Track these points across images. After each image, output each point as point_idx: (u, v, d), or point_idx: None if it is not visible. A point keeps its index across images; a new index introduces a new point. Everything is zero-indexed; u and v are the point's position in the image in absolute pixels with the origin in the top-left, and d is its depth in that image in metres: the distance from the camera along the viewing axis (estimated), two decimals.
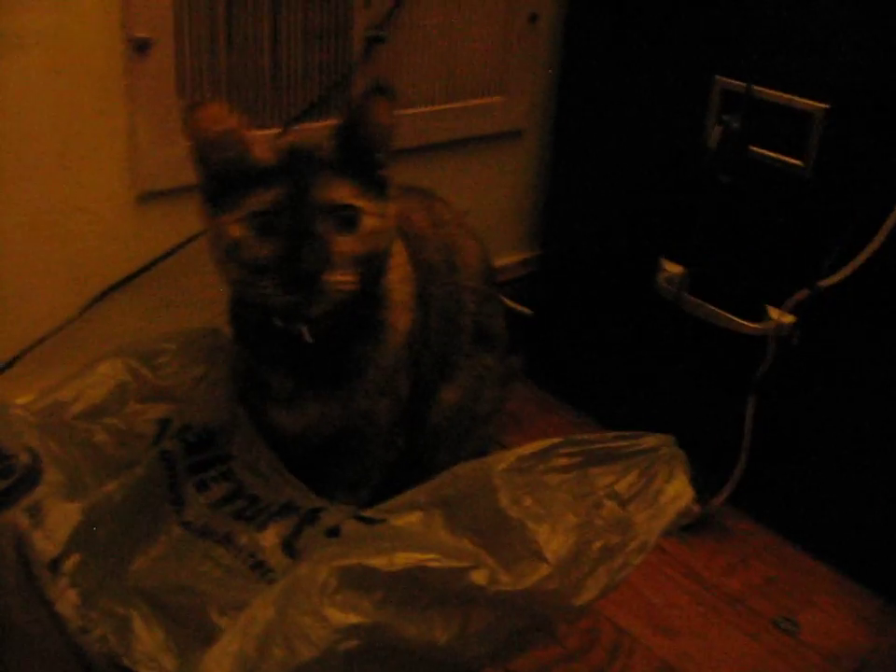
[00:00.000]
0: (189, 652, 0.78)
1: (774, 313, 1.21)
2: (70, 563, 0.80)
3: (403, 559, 0.74)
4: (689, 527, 1.30)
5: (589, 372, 1.54)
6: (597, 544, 0.80)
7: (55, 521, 0.81)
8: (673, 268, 1.31)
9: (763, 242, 1.24)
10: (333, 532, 0.87)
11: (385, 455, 1.04)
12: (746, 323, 1.23)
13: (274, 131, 1.20)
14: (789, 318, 1.20)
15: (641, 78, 1.35)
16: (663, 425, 1.37)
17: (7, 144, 1.03)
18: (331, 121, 1.24)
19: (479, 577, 0.75)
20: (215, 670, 0.69)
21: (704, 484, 1.21)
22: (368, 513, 0.88)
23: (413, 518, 0.83)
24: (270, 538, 0.89)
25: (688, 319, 1.30)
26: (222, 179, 0.88)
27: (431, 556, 0.75)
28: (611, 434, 0.88)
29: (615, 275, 1.45)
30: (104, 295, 1.14)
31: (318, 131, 1.24)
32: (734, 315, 1.24)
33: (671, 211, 1.33)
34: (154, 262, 1.16)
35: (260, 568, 0.86)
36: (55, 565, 0.79)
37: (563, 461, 0.86)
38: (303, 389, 0.96)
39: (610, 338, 1.48)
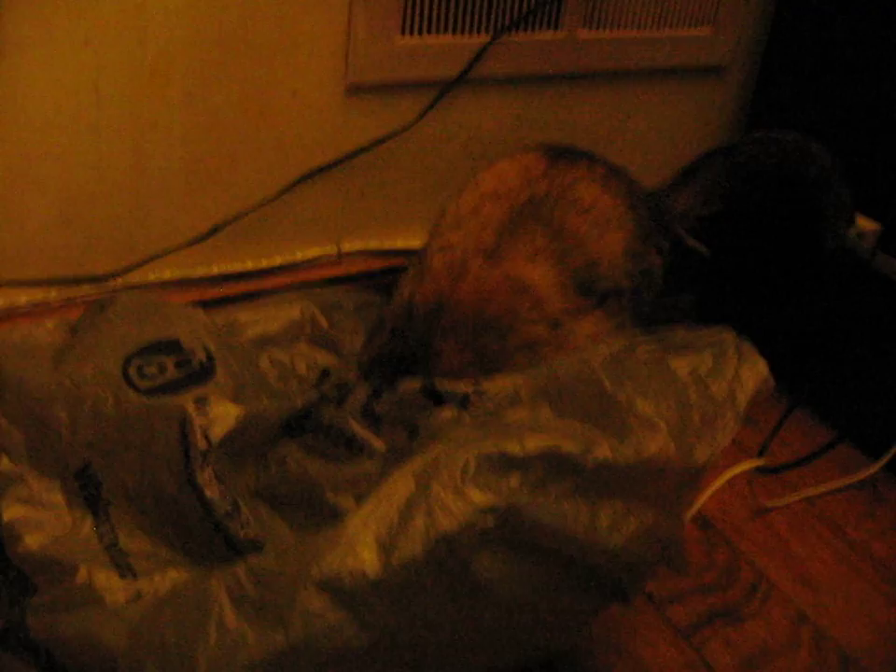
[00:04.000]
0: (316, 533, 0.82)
1: None
2: (215, 456, 0.85)
3: (534, 443, 0.76)
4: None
5: (759, 320, 1.52)
6: (696, 415, 0.84)
7: (216, 415, 0.86)
8: (866, 224, 1.28)
9: None
10: (453, 423, 0.88)
11: None
12: None
13: (483, 38, 1.22)
14: None
15: (861, 26, 1.30)
16: (833, 382, 1.36)
17: (229, 22, 1.07)
18: (540, 35, 1.27)
19: (604, 451, 0.77)
20: (360, 530, 0.72)
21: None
22: (480, 416, 0.89)
23: (522, 413, 0.86)
24: (350, 409, 0.91)
25: (876, 277, 1.26)
26: None
27: (557, 437, 0.78)
28: (678, 328, 0.92)
29: (802, 224, 1.41)
30: (303, 179, 1.19)
31: (526, 43, 1.26)
32: None
33: (872, 164, 1.29)
34: (356, 153, 1.19)
35: (353, 443, 0.89)
36: (206, 455, 0.84)
37: (645, 355, 0.89)
38: None
39: (787, 288, 1.45)
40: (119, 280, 1.13)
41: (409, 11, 1.15)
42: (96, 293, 1.12)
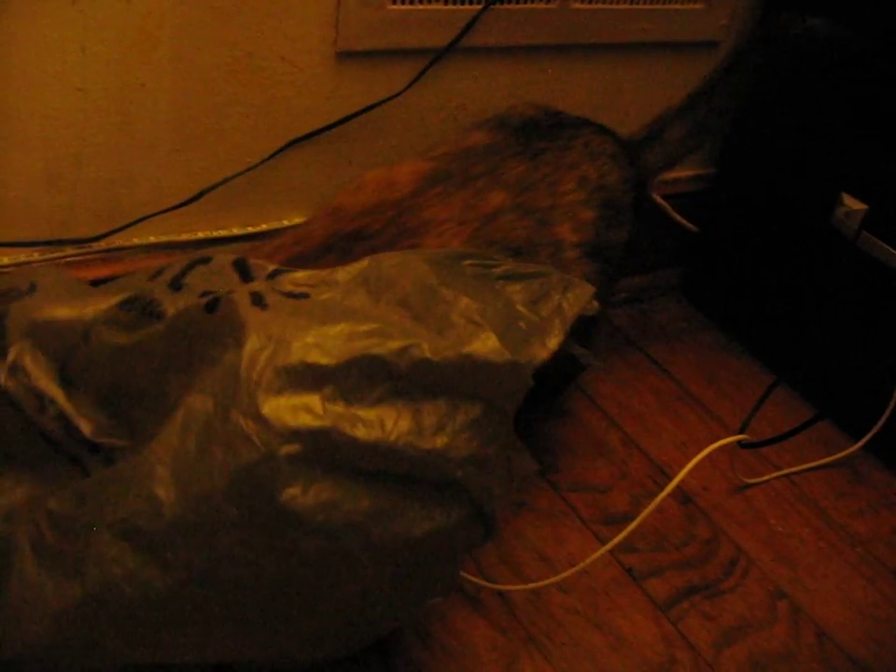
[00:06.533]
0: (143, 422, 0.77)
1: None
2: (17, 350, 0.81)
3: (346, 350, 0.71)
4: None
5: (745, 298, 1.52)
6: (521, 323, 0.81)
7: (15, 318, 0.83)
8: (854, 203, 1.28)
9: None
10: (258, 300, 0.77)
11: None
12: None
13: (474, 8, 1.20)
14: None
15: (853, 8, 1.29)
16: (814, 360, 1.37)
17: None
18: (532, 5, 1.26)
19: (421, 350, 0.72)
20: (156, 466, 0.69)
21: None
22: (287, 286, 0.82)
23: (334, 293, 0.80)
24: (159, 280, 0.85)
25: (861, 258, 1.27)
26: None
27: (369, 327, 0.72)
28: (509, 259, 0.89)
29: (790, 204, 1.41)
30: (291, 145, 1.18)
31: (519, 13, 1.25)
32: None
33: (862, 144, 1.29)
34: (345, 119, 1.18)
35: (148, 309, 0.81)
36: (4, 351, 0.81)
37: (471, 271, 0.85)
38: None
39: (773, 266, 1.46)
40: (103, 243, 1.12)
41: None
42: (80, 255, 1.11)
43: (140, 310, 0.81)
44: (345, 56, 1.16)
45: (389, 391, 0.72)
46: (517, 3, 1.24)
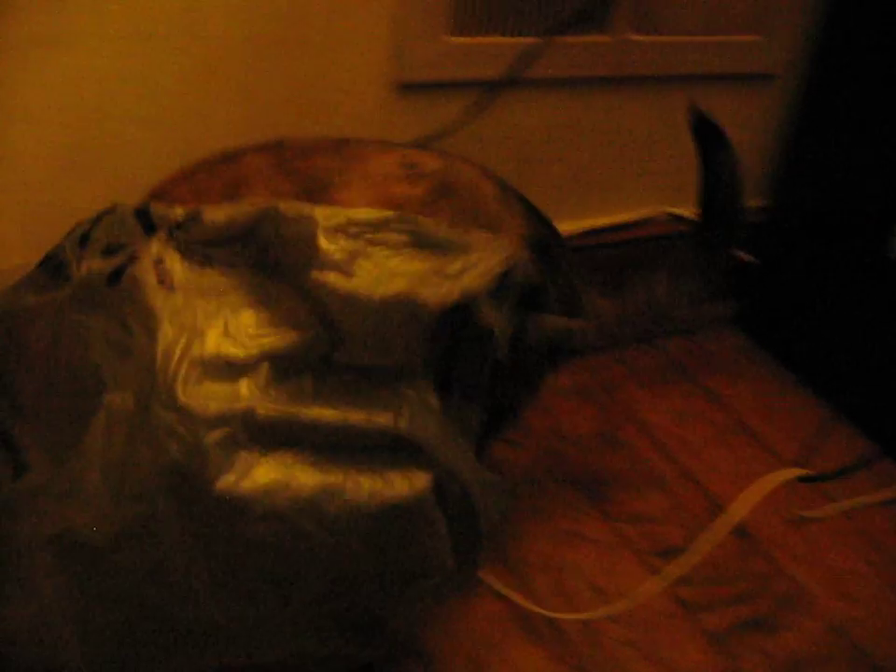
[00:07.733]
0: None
1: None
2: None
3: (256, 345, 0.70)
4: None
5: (803, 329, 1.51)
6: (435, 277, 0.76)
7: None
8: None
9: None
10: (163, 276, 0.75)
11: None
12: None
13: (532, 40, 1.22)
14: None
15: None
16: (872, 394, 1.35)
17: (281, 20, 1.08)
18: (590, 38, 1.27)
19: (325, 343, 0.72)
20: (86, 471, 0.67)
21: None
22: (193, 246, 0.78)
23: (241, 258, 0.77)
24: (70, 237, 0.83)
25: None
26: None
27: (274, 314, 0.72)
28: (444, 224, 0.82)
29: (848, 235, 1.40)
30: None
31: (576, 46, 1.26)
32: None
33: None
34: None
35: (58, 271, 0.80)
36: None
37: (393, 237, 0.79)
38: None
39: (831, 299, 1.44)
40: None
41: (459, 11, 1.16)
42: None
43: (52, 271, 0.79)
44: (404, 88, 1.18)
45: (309, 377, 0.71)
46: (575, 35, 1.25)
